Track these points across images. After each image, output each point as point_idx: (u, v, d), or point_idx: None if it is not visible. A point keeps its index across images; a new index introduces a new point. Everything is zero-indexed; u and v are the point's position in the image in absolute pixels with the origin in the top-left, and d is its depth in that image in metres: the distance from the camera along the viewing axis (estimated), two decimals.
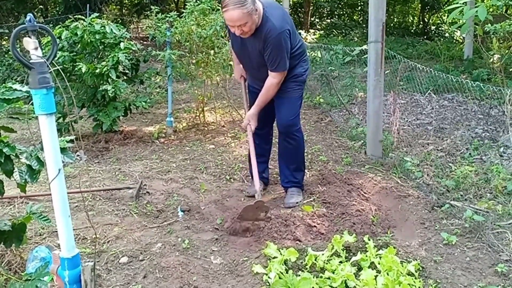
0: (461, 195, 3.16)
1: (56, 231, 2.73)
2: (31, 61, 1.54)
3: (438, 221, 2.85)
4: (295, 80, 3.02)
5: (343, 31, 14.49)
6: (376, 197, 3.14)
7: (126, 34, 4.71)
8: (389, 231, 2.74)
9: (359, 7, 16.47)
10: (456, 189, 3.23)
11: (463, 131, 4.43)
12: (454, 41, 11.58)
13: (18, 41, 1.61)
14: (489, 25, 4.25)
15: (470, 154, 3.84)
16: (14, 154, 2.09)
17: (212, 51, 4.92)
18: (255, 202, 2.76)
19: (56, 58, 4.21)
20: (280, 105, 3.09)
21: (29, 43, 1.52)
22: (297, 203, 3.11)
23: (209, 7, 5.01)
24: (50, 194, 3.27)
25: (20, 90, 2.13)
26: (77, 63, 4.23)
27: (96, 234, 2.69)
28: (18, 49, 1.55)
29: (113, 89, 4.21)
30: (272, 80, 2.90)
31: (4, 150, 2.08)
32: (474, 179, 3.33)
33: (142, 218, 2.99)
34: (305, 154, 3.77)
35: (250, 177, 3.50)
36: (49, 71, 1.56)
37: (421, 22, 14.24)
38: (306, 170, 3.48)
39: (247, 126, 3.06)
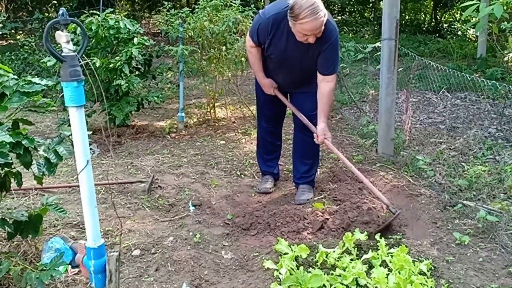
0: (474, 195, 3.13)
1: (71, 223, 2.79)
2: (62, 54, 1.57)
3: (450, 221, 2.83)
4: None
5: (354, 28, 14.39)
6: (388, 195, 3.13)
7: (140, 29, 4.74)
8: (401, 230, 2.73)
9: (370, 4, 16.33)
10: (469, 189, 3.20)
11: (476, 131, 4.39)
12: (467, 39, 11.44)
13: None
14: (505, 23, 4.19)
15: (483, 153, 3.81)
16: (32, 147, 2.13)
17: (224, 47, 4.92)
18: (397, 214, 2.70)
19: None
20: (303, 99, 3.10)
21: (61, 36, 1.56)
22: (308, 199, 3.11)
23: (222, 3, 5.02)
24: (64, 186, 3.34)
25: (39, 84, 2.16)
26: (91, 58, 4.27)
27: (121, 225, 2.73)
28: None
29: (127, 84, 4.24)
30: (329, 84, 2.90)
31: (23, 142, 2.11)
32: (487, 179, 3.30)
33: (154, 212, 3.02)
34: (320, 156, 3.78)
35: (261, 174, 3.51)
36: (80, 64, 1.59)
37: (433, 20, 14.07)
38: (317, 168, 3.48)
39: (324, 140, 2.96)
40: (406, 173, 3.54)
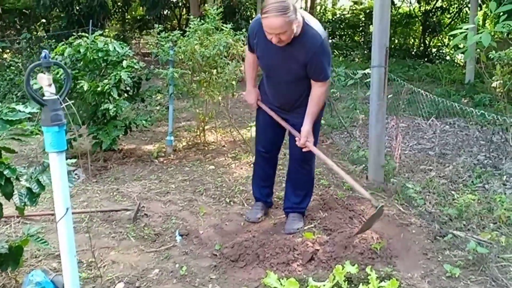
0: (464, 225, 3.11)
1: (53, 254, 2.69)
2: (44, 98, 1.52)
3: (441, 252, 2.79)
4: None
5: (345, 51, 14.60)
6: (378, 225, 3.08)
7: (129, 52, 4.71)
8: (392, 262, 2.68)
9: (360, 28, 16.64)
10: (458, 218, 3.18)
11: (465, 158, 4.40)
12: (455, 64, 11.63)
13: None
14: (493, 52, 4.25)
15: (472, 182, 3.81)
16: (14, 177, 2.06)
17: (214, 71, 4.92)
18: (379, 209, 2.67)
19: (58, 75, 4.22)
20: (299, 126, 2.94)
21: (43, 79, 1.51)
22: (298, 229, 3.05)
23: (213, 27, 5.03)
24: (48, 214, 3.24)
25: (23, 112, 2.11)
26: (79, 81, 4.22)
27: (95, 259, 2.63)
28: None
29: (115, 108, 4.18)
30: (319, 89, 2.78)
31: (5, 172, 2.04)
32: (477, 208, 3.28)
33: (139, 242, 2.93)
34: None
35: (255, 201, 3.42)
36: (62, 106, 1.54)
37: (422, 45, 14.34)
38: None
39: (306, 143, 2.86)
40: (396, 201, 3.51)
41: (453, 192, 3.64)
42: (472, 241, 2.78)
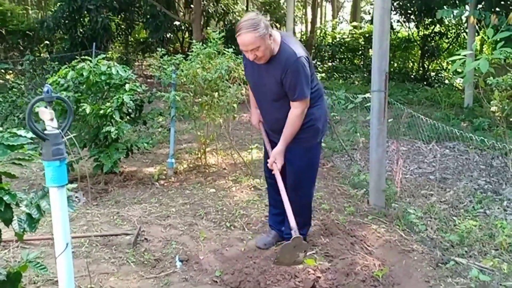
0: (466, 251, 3.09)
1: (51, 279, 2.67)
2: (45, 132, 1.53)
3: (443, 279, 2.77)
4: (309, 127, 2.87)
5: (344, 74, 14.75)
6: (380, 251, 3.08)
7: (132, 75, 4.76)
8: None
9: (360, 52, 16.83)
10: (460, 245, 3.16)
11: (465, 182, 4.40)
12: (454, 88, 11.74)
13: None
14: (491, 78, 4.30)
15: (473, 207, 3.80)
16: (14, 203, 2.06)
17: (216, 94, 4.96)
18: (292, 240, 2.55)
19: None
20: (287, 156, 2.90)
21: (45, 113, 1.52)
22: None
23: (215, 51, 5.10)
24: (46, 238, 3.22)
25: (25, 136, 2.12)
26: (82, 104, 4.26)
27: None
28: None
29: (116, 131, 4.20)
30: (294, 110, 2.76)
31: (5, 198, 2.04)
32: (478, 234, 3.27)
33: (139, 268, 2.91)
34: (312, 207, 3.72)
35: (269, 225, 3.35)
36: (63, 140, 1.54)
37: (421, 68, 14.48)
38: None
39: (272, 165, 2.87)
40: (398, 226, 3.49)
41: (454, 217, 3.62)
42: (474, 268, 2.76)
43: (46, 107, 1.53)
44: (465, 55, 3.89)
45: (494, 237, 3.23)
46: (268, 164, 2.90)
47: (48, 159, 1.51)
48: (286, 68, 2.67)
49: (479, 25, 4.65)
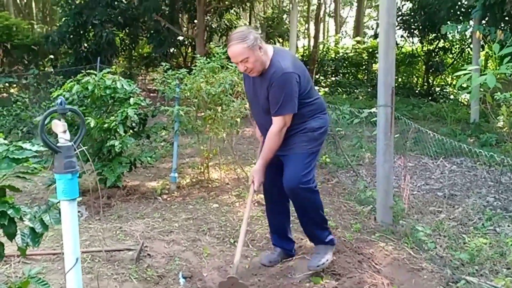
0: (477, 270, 3.01)
1: None
2: (58, 144, 1.49)
3: None
4: (305, 134, 2.79)
5: (348, 89, 14.75)
6: (388, 270, 2.99)
7: (136, 89, 4.75)
8: None
9: (363, 66, 16.87)
10: (471, 263, 3.08)
11: (474, 199, 4.33)
12: (459, 103, 11.70)
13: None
14: (499, 93, 4.26)
15: (483, 224, 3.72)
16: (18, 217, 2.01)
17: (219, 108, 4.94)
18: (228, 278, 2.55)
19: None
20: (285, 163, 2.84)
21: (58, 125, 1.49)
22: (317, 266, 2.85)
23: (219, 65, 5.09)
24: (49, 254, 3.16)
25: (30, 150, 2.08)
26: (86, 117, 4.23)
27: None
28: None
29: (120, 145, 4.17)
30: (273, 127, 2.71)
31: (9, 212, 1.99)
32: (488, 252, 3.19)
33: (141, 284, 2.84)
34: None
35: (272, 244, 3.26)
36: (75, 152, 1.50)
37: (426, 83, 14.46)
38: None
39: (250, 183, 2.85)
40: (406, 244, 3.41)
41: (464, 235, 3.54)
42: (486, 287, 2.68)
43: (59, 119, 1.49)
44: (470, 71, 3.86)
45: (505, 255, 3.15)
46: (248, 182, 2.89)
47: (60, 171, 1.48)
48: (271, 82, 2.66)
49: (484, 40, 4.63)
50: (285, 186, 2.80)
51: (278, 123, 2.71)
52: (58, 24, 15.15)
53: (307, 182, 2.76)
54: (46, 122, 1.60)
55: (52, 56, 14.54)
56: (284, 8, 18.28)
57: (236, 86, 5.01)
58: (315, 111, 2.85)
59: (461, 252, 3.20)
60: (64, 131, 1.49)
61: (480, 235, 3.51)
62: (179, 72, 5.28)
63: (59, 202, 1.98)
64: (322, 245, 2.97)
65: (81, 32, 13.28)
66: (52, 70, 13.36)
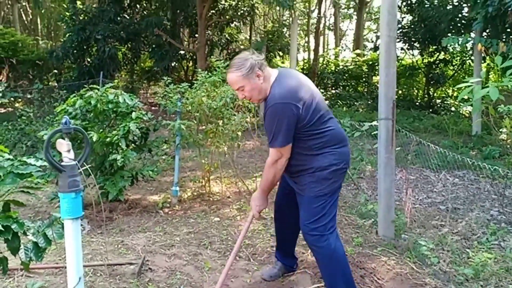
0: (482, 286, 2.98)
1: None
2: (62, 163, 1.50)
3: None
4: (312, 174, 2.52)
5: (348, 101, 14.78)
6: (391, 285, 2.97)
7: (138, 103, 4.77)
8: None
9: (363, 79, 16.92)
10: (475, 279, 3.05)
11: (477, 213, 4.30)
12: (461, 115, 11.70)
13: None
14: (502, 106, 4.27)
15: (487, 239, 3.69)
16: (22, 232, 2.02)
17: (220, 122, 4.95)
18: None
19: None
20: (299, 205, 2.64)
21: (63, 145, 1.50)
22: None
23: (220, 79, 5.12)
24: (51, 267, 3.15)
25: (34, 165, 2.09)
26: (89, 132, 4.25)
27: None
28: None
29: (122, 159, 4.18)
30: (269, 158, 2.53)
31: (13, 227, 2.00)
32: (494, 267, 3.16)
33: None
34: None
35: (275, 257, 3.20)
36: (79, 171, 1.51)
37: (426, 95, 14.48)
38: None
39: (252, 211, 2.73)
40: (409, 258, 3.38)
41: (467, 249, 3.51)
42: None
43: (63, 138, 1.50)
44: (472, 83, 3.86)
45: (511, 270, 3.13)
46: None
47: (64, 191, 1.48)
48: (265, 111, 2.49)
49: (486, 52, 4.65)
50: (301, 229, 2.65)
51: (272, 155, 2.52)
52: (62, 40, 15.32)
53: (315, 230, 2.52)
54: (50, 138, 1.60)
55: (56, 71, 14.70)
56: (284, 22, 18.42)
57: (237, 100, 5.02)
58: (326, 144, 2.52)
59: (465, 267, 3.18)
60: (68, 150, 1.50)
61: (484, 250, 3.48)
62: (180, 86, 5.30)
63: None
64: None
65: (85, 47, 13.44)
66: (56, 84, 13.48)
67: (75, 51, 13.25)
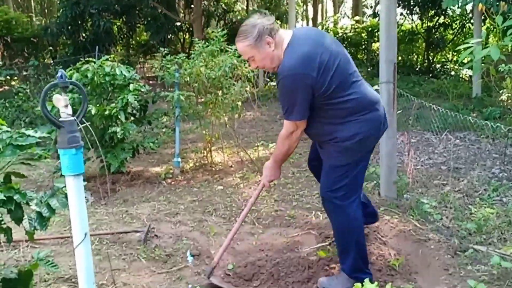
0: (484, 239, 3.01)
1: (63, 277, 2.63)
2: (60, 119, 1.47)
3: (462, 267, 2.70)
4: (336, 144, 2.35)
5: None
6: (395, 241, 3.01)
7: (136, 75, 4.72)
8: (412, 278, 2.59)
9: (363, 46, 16.70)
10: (478, 233, 3.08)
11: (479, 171, 4.31)
12: (461, 79, 11.60)
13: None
14: (503, 65, 4.22)
15: (489, 195, 3.72)
16: (24, 202, 2.02)
17: (220, 92, 4.91)
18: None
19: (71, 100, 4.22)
20: (322, 170, 2.51)
21: (60, 100, 1.47)
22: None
23: (218, 49, 5.04)
24: (56, 238, 3.19)
25: (34, 136, 2.08)
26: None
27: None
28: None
29: (122, 131, 4.17)
30: (283, 130, 2.40)
31: (15, 197, 2.00)
32: (496, 221, 3.19)
33: (150, 263, 2.86)
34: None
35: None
36: (79, 128, 1.49)
37: (426, 61, 14.32)
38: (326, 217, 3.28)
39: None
40: (411, 216, 3.41)
41: (470, 206, 3.54)
42: (496, 255, 2.68)
43: (60, 93, 1.47)
44: (473, 44, 3.81)
45: None
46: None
47: (64, 147, 1.46)
48: (277, 82, 2.33)
49: (486, 13, 4.57)
50: (320, 193, 2.56)
51: (286, 127, 2.37)
52: (56, 16, 15.06)
53: (335, 198, 2.40)
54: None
55: (51, 48, 14.51)
56: None
57: (235, 69, 4.96)
58: (350, 112, 2.31)
59: (468, 222, 3.21)
60: (66, 106, 1.47)
61: (486, 206, 3.51)
62: (177, 57, 5.23)
63: (65, 186, 1.98)
64: (344, 273, 2.50)
65: (79, 22, 13.20)
66: (51, 61, 13.34)
67: (69, 27, 13.02)
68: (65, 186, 1.99)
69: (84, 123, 1.56)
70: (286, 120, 2.35)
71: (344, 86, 2.29)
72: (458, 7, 8.41)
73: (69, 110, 1.48)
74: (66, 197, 1.98)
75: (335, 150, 2.36)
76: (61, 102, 1.47)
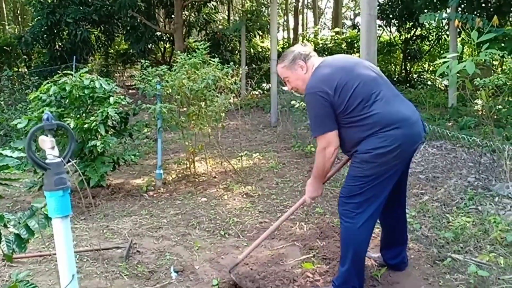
0: (461, 248, 3.09)
1: None
2: (46, 161, 1.44)
3: (441, 276, 2.76)
4: (357, 155, 2.44)
5: None
6: (377, 251, 3.05)
7: (116, 88, 4.68)
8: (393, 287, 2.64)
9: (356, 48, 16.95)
10: (455, 241, 3.17)
11: (455, 180, 4.42)
12: (437, 88, 11.89)
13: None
14: (478, 79, 4.38)
15: (465, 204, 3.82)
16: (2, 224, 1.98)
17: (203, 103, 4.91)
18: None
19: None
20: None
21: (46, 142, 1.43)
22: None
23: (200, 61, 5.05)
24: (35, 256, 3.12)
25: (11, 157, 2.05)
26: (65, 119, 4.17)
27: None
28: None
29: (102, 145, 4.12)
30: (318, 146, 2.53)
31: None
32: (472, 230, 3.29)
33: (133, 281, 2.83)
34: (306, 210, 3.69)
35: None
36: (65, 169, 1.46)
37: (404, 71, 14.64)
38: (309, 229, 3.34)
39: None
40: None
41: (447, 215, 3.64)
42: (472, 264, 2.76)
43: (46, 135, 1.45)
44: (449, 58, 3.94)
45: (488, 232, 3.25)
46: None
47: (51, 189, 1.42)
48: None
49: (462, 27, 4.72)
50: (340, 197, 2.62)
51: (319, 142, 2.50)
52: (30, 24, 14.81)
53: (347, 205, 2.49)
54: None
55: (25, 57, 14.24)
56: (262, 1, 18.21)
57: (218, 81, 4.98)
58: (371, 128, 2.37)
59: (445, 231, 3.29)
60: (53, 147, 1.44)
61: (463, 214, 3.60)
62: (159, 69, 5.21)
63: (44, 206, 1.95)
64: (333, 284, 2.60)
65: (55, 31, 12.99)
66: (26, 70, 13.08)
67: (45, 36, 12.80)
68: (44, 206, 1.96)
69: (71, 161, 1.54)
70: (315, 137, 2.53)
71: (366, 105, 2.40)
72: (434, 21, 8.65)
73: (56, 151, 1.45)
74: (46, 217, 1.95)
75: (355, 161, 2.49)
76: (47, 144, 1.44)
